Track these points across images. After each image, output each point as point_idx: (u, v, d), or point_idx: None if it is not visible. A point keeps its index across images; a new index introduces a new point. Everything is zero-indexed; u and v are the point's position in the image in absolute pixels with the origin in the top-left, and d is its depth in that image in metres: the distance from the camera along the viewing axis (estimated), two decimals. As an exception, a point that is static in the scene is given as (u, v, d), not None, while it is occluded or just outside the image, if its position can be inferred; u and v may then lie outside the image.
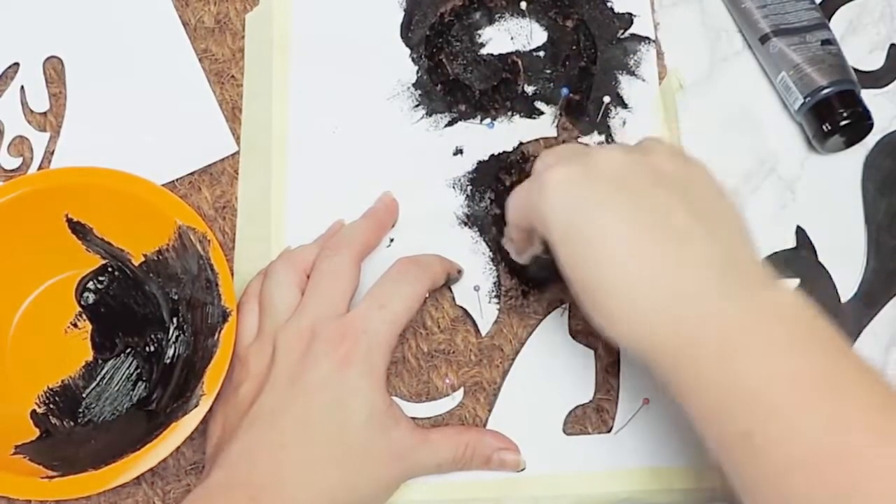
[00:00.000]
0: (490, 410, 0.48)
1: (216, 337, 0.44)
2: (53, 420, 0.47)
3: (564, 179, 0.39)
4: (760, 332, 0.35)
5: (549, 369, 0.49)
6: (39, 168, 0.52)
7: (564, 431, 0.48)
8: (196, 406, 0.43)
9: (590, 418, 0.48)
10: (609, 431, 0.48)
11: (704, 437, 0.37)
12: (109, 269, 0.49)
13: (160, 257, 0.48)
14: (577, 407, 0.48)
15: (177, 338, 0.48)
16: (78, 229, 0.48)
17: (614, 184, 0.38)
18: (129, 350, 0.49)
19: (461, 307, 0.50)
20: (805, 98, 0.51)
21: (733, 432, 0.35)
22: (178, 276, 0.47)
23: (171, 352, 0.48)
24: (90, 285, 0.49)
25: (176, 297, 0.48)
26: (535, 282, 0.50)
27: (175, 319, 0.48)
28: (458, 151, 0.53)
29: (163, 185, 0.48)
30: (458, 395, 0.48)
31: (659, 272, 0.37)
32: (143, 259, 0.48)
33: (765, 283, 0.37)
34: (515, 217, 0.43)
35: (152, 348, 0.48)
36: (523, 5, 0.55)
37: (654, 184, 0.38)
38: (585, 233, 0.38)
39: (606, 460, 0.47)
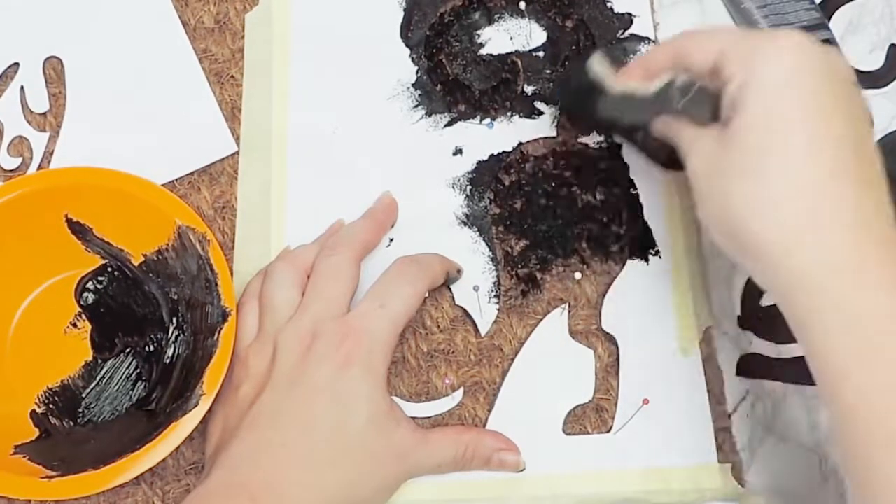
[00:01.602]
0: (490, 410, 0.48)
1: (216, 337, 0.44)
2: (53, 420, 0.47)
3: (809, 53, 0.36)
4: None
5: (549, 369, 0.49)
6: (39, 168, 0.52)
7: (564, 431, 0.48)
8: (196, 406, 0.43)
9: (589, 418, 0.48)
10: (609, 431, 0.48)
11: (845, 374, 0.34)
12: (109, 269, 0.50)
13: (160, 257, 0.48)
14: (576, 407, 0.48)
15: (176, 338, 0.48)
16: (77, 229, 0.48)
17: (842, 91, 0.36)
18: (128, 350, 0.49)
19: (461, 307, 0.50)
20: (805, 98, 0.51)
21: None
22: (177, 276, 0.47)
23: (170, 352, 0.48)
24: (90, 285, 0.49)
25: (176, 297, 0.48)
26: (594, 121, 0.46)
27: (175, 319, 0.48)
28: (458, 151, 0.53)
29: (162, 185, 0.48)
30: (458, 395, 0.48)
31: (838, 219, 0.34)
32: (142, 259, 0.48)
33: None
34: (706, 41, 0.39)
35: (152, 348, 0.48)
36: (522, 5, 0.55)
37: (862, 114, 0.37)
38: (794, 125, 0.35)
39: (606, 460, 0.47)
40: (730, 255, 0.38)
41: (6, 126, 0.53)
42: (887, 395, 0.33)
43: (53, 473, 0.43)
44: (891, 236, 0.35)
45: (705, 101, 0.39)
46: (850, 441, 0.34)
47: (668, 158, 0.44)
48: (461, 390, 0.48)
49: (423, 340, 0.49)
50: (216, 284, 0.45)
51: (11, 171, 0.52)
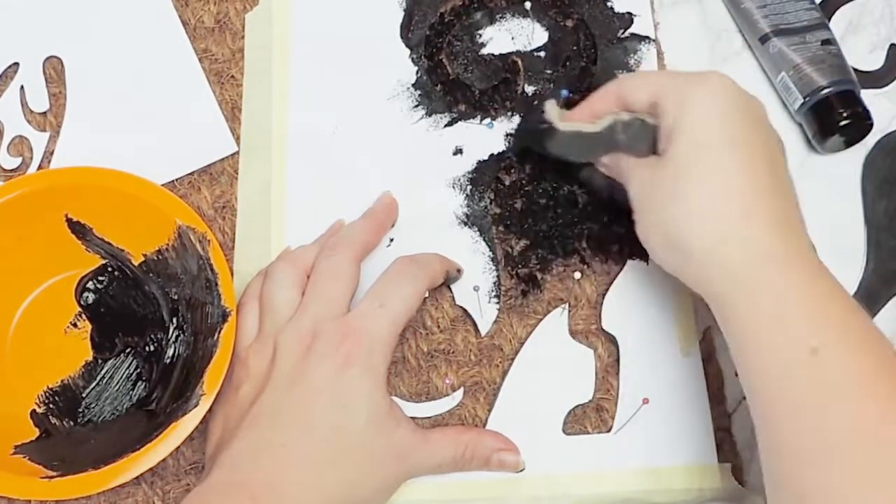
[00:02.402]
0: (490, 410, 0.48)
1: (216, 337, 0.44)
2: (53, 420, 0.47)
3: (729, 90, 0.42)
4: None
5: (549, 369, 0.49)
6: (39, 168, 0.52)
7: (564, 431, 0.48)
8: (196, 406, 0.43)
9: (589, 418, 0.48)
10: (609, 431, 0.48)
11: (757, 366, 0.39)
12: (109, 269, 0.50)
13: (160, 257, 0.48)
14: (576, 407, 0.48)
15: (177, 338, 0.48)
16: (78, 229, 0.48)
17: (756, 120, 0.42)
18: (128, 350, 0.49)
19: (461, 307, 0.50)
20: (805, 98, 0.51)
21: (802, 350, 0.37)
22: (177, 276, 0.47)
23: (170, 352, 0.48)
24: (90, 285, 0.49)
25: (176, 297, 0.48)
26: (547, 158, 0.49)
27: (175, 319, 0.48)
28: (458, 151, 0.53)
29: (163, 185, 0.48)
30: (458, 395, 0.48)
31: (761, 223, 0.39)
32: (142, 259, 0.48)
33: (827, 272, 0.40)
34: (641, 84, 0.44)
35: (152, 348, 0.48)
36: (528, 5, 0.55)
37: (775, 143, 0.43)
38: (719, 150, 0.40)
39: (606, 460, 0.47)
40: (666, 263, 0.43)
41: (6, 126, 0.53)
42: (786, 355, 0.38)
43: (53, 473, 0.43)
44: (801, 235, 0.41)
45: (644, 136, 0.44)
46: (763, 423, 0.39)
47: (611, 194, 0.48)
48: (461, 390, 0.48)
49: (423, 340, 0.49)
50: (216, 284, 0.45)
51: (11, 170, 0.52)
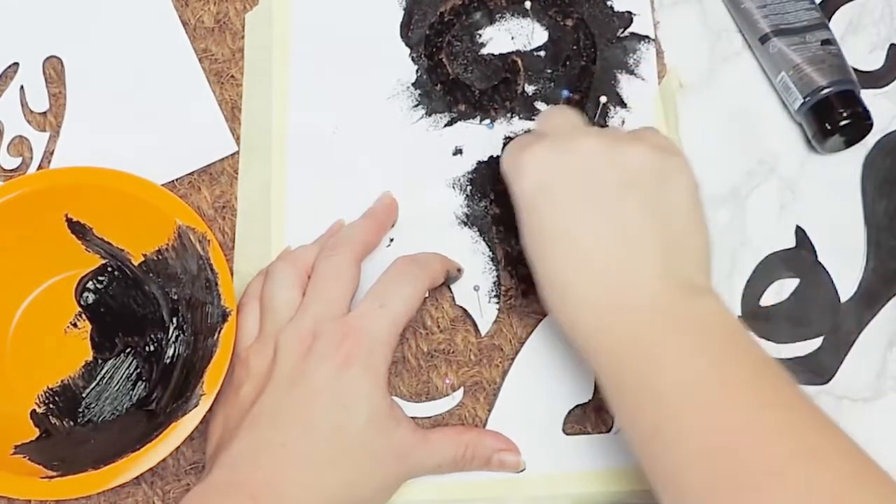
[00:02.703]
0: (490, 410, 0.48)
1: (216, 337, 0.44)
2: (53, 420, 0.47)
3: (542, 162, 0.42)
4: (675, 341, 0.39)
5: (549, 369, 0.49)
6: (39, 168, 0.52)
7: (564, 431, 0.48)
8: (196, 406, 0.43)
9: (589, 418, 0.48)
10: (609, 431, 0.48)
11: (627, 431, 0.40)
12: (109, 269, 0.50)
13: (160, 257, 0.48)
14: (576, 407, 0.48)
15: (177, 338, 0.48)
16: (78, 229, 0.48)
17: (584, 183, 0.41)
18: (128, 350, 0.49)
19: (461, 307, 0.50)
20: (805, 98, 0.51)
21: (647, 427, 0.38)
22: (177, 276, 0.47)
23: (170, 352, 0.48)
24: (90, 285, 0.49)
25: (176, 297, 0.48)
26: None
27: (175, 319, 0.48)
28: (458, 151, 0.53)
29: (163, 185, 0.48)
30: (458, 395, 0.48)
31: (604, 280, 0.40)
32: (142, 259, 0.48)
33: (694, 293, 0.40)
34: (502, 167, 0.45)
35: (152, 348, 0.48)
36: (528, 4, 0.55)
37: (622, 190, 0.41)
38: (546, 223, 0.42)
39: (606, 460, 0.47)
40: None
41: (6, 126, 0.53)
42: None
43: (53, 473, 0.43)
44: (681, 297, 0.40)
45: None
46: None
47: None
48: (461, 390, 0.48)
49: (423, 340, 0.49)
50: (216, 284, 0.45)
51: (11, 171, 0.52)
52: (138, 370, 0.48)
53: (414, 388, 0.48)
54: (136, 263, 0.49)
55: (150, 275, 0.49)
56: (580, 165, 0.42)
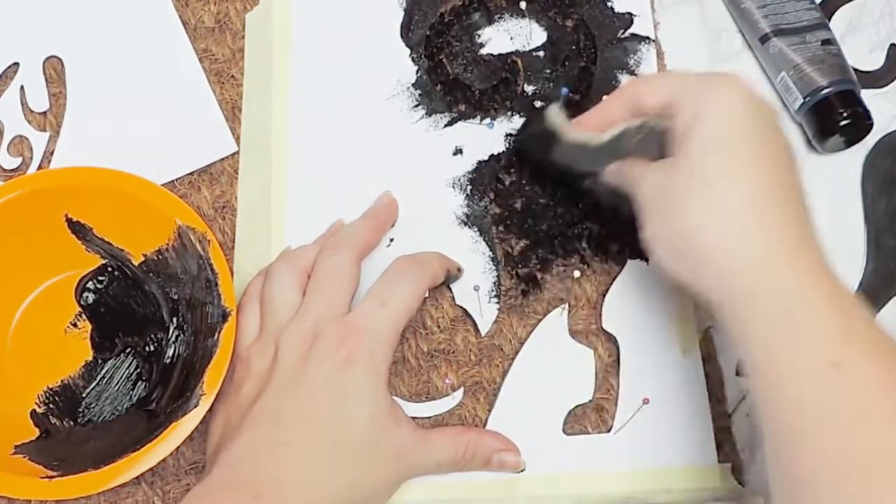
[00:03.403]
0: (490, 410, 0.48)
1: (216, 337, 0.44)
2: (53, 420, 0.47)
3: (744, 96, 0.41)
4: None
5: (549, 369, 0.49)
6: (39, 168, 0.52)
7: (564, 431, 0.48)
8: (196, 406, 0.43)
9: (589, 418, 0.48)
10: (609, 431, 0.48)
11: (770, 379, 0.37)
12: (109, 269, 0.50)
13: (160, 257, 0.48)
14: (576, 407, 0.48)
15: (177, 338, 0.48)
16: (78, 229, 0.48)
17: (768, 126, 0.41)
18: (128, 350, 0.49)
19: (461, 307, 0.50)
20: (805, 98, 0.51)
21: (822, 363, 0.35)
22: (178, 276, 0.47)
23: (170, 352, 0.48)
24: (90, 285, 0.49)
25: (176, 297, 0.48)
26: (551, 169, 0.49)
27: (175, 319, 0.48)
28: (458, 151, 0.53)
29: (163, 185, 0.48)
30: (458, 395, 0.48)
31: (766, 230, 0.38)
32: (142, 259, 0.48)
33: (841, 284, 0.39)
34: (655, 89, 0.43)
35: (152, 348, 0.48)
36: (523, 5, 0.55)
37: (786, 148, 0.41)
38: (729, 156, 0.40)
39: (606, 460, 0.47)
40: (673, 269, 0.41)
41: (6, 126, 0.53)
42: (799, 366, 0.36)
43: (53, 473, 0.43)
44: (815, 240, 0.40)
45: (654, 140, 0.43)
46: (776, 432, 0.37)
47: (612, 205, 0.47)
48: (461, 390, 0.48)
49: (423, 340, 0.49)
50: (216, 284, 0.45)
51: (11, 170, 0.52)
52: (138, 370, 0.48)
53: (414, 388, 0.48)
54: (136, 263, 0.49)
55: (150, 275, 0.49)
56: (770, 121, 0.41)
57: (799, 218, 0.40)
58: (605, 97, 0.46)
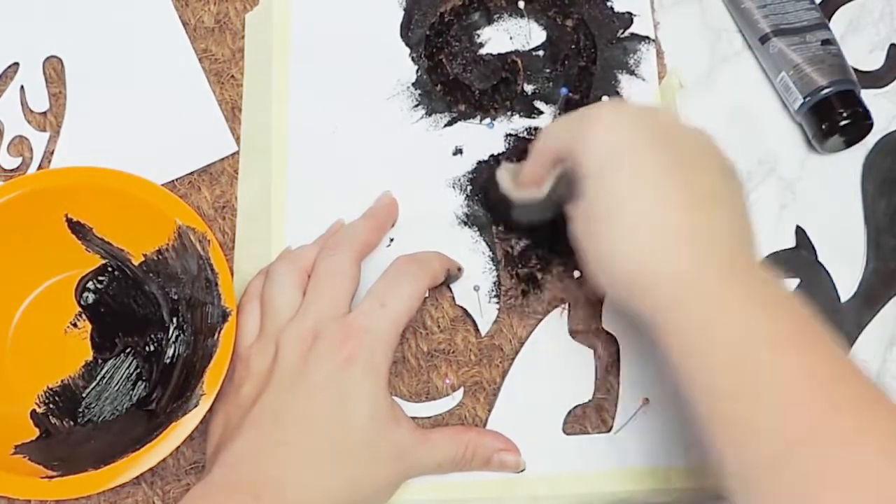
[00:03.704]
0: (490, 410, 0.48)
1: (216, 337, 0.44)
2: (53, 420, 0.47)
3: (616, 116, 0.42)
4: (754, 319, 0.37)
5: (549, 369, 0.49)
6: (39, 168, 0.52)
7: (564, 431, 0.48)
8: (196, 406, 0.43)
9: (589, 418, 0.48)
10: (609, 431, 0.48)
11: (699, 392, 0.38)
12: (109, 269, 0.50)
13: (160, 257, 0.48)
14: (576, 406, 0.48)
15: (177, 338, 0.48)
16: (78, 229, 0.48)
17: (656, 135, 0.41)
18: (128, 350, 0.49)
19: (461, 307, 0.50)
20: (805, 98, 0.51)
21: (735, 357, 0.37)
22: (178, 276, 0.47)
23: (170, 351, 0.48)
24: (90, 285, 0.49)
25: (176, 297, 0.48)
26: (515, 226, 0.50)
27: (175, 319, 0.48)
28: (458, 151, 0.53)
29: (163, 185, 0.48)
30: (458, 395, 0.48)
31: (673, 238, 0.39)
32: (142, 259, 0.48)
33: (761, 269, 0.40)
34: (550, 141, 0.44)
35: (152, 348, 0.48)
36: (521, 4, 0.55)
37: (691, 148, 0.41)
38: (618, 177, 0.40)
39: (606, 460, 0.47)
40: (616, 298, 0.42)
41: (6, 126, 0.53)
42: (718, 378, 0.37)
43: (53, 473, 0.43)
44: (724, 245, 0.40)
45: (570, 183, 0.43)
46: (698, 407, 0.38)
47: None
48: (461, 390, 0.48)
49: (423, 340, 0.49)
50: (216, 284, 0.45)
51: (11, 170, 0.52)
52: (138, 370, 0.48)
53: (414, 388, 0.48)
54: (136, 263, 0.49)
55: (151, 275, 0.49)
56: (654, 119, 0.42)
57: (702, 233, 0.39)
58: (525, 161, 0.46)
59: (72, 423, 0.47)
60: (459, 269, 0.49)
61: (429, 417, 0.48)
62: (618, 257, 0.40)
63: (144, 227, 0.47)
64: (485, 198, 0.51)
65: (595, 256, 0.41)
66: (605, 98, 0.53)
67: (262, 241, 0.51)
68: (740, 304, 0.38)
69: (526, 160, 0.46)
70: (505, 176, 0.48)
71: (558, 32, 0.55)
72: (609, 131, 0.41)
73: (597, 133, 0.41)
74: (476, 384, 0.49)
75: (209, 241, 0.46)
